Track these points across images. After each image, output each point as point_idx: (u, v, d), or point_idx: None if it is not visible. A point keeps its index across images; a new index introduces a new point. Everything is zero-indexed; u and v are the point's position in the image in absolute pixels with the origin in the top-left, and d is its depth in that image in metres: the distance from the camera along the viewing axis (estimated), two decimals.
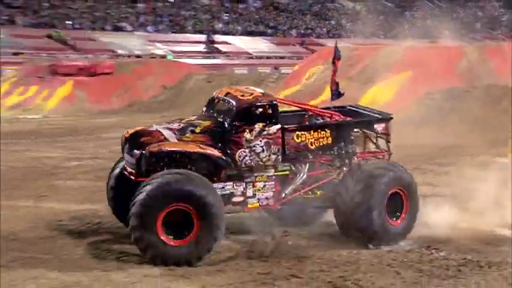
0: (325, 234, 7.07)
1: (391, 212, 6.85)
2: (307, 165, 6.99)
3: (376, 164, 7.09)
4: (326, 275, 5.69)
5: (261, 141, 6.72)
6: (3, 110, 21.25)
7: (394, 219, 6.88)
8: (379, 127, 7.24)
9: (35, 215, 7.54)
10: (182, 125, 6.80)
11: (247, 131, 6.68)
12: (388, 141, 7.33)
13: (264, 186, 6.83)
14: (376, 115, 7.48)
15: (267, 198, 6.84)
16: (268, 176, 6.83)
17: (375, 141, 7.31)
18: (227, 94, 6.96)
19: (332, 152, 7.06)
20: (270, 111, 6.77)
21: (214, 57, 38.39)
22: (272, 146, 6.77)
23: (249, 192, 6.75)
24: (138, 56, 35.10)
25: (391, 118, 7.30)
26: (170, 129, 6.72)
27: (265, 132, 6.73)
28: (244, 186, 6.74)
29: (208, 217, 6.03)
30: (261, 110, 6.75)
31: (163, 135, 6.62)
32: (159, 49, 38.47)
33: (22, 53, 32.99)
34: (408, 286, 5.47)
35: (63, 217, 7.45)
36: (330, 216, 7.10)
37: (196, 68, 27.81)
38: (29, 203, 8.16)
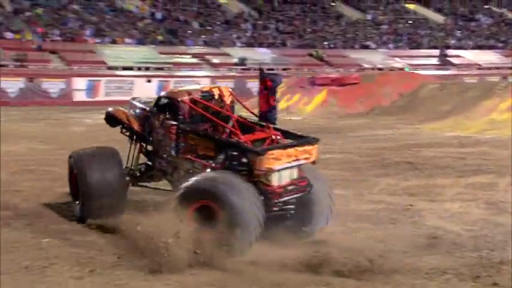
0: None
1: None
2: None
3: None
4: None
5: (162, 130, 6.15)
6: None
7: None
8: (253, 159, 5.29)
9: None
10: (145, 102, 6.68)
11: (157, 118, 6.26)
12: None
13: (185, 177, 5.70)
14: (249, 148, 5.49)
15: None
16: (188, 169, 5.85)
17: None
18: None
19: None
20: (173, 107, 6.02)
21: (446, 69, 36.47)
22: (166, 138, 6.05)
23: (175, 176, 5.98)
24: (379, 69, 34.71)
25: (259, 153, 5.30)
26: (138, 102, 6.72)
27: (163, 124, 6.13)
28: (172, 170, 6.04)
29: None
30: (166, 103, 6.14)
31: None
32: (398, 63, 37.59)
33: (289, 69, 34.66)
34: None
35: None
36: None
37: (430, 78, 26.63)
38: None
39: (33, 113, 22.45)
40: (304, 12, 43.86)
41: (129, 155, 6.73)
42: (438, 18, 46.05)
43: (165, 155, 6.15)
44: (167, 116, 6.13)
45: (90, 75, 28.59)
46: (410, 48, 40.86)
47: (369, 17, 45.01)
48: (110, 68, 30.31)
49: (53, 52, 30.71)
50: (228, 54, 35.44)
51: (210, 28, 38.36)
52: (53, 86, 27.78)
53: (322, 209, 5.72)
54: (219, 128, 5.98)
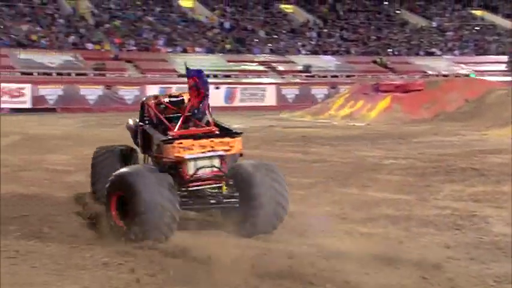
0: None
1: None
2: None
3: None
4: None
5: (137, 129, 6.22)
6: (338, 119, 22.31)
7: None
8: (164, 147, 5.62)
9: (360, 200, 7.56)
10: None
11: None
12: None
13: None
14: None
15: None
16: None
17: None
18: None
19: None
20: (141, 109, 6.18)
21: None
22: (138, 137, 6.23)
23: None
24: (444, 75, 33.70)
25: (166, 141, 5.59)
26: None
27: (136, 124, 6.33)
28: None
29: None
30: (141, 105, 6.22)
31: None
32: (463, 69, 36.39)
33: (353, 75, 34.31)
34: None
35: (381, 204, 7.30)
36: None
37: (498, 84, 25.59)
38: (356, 190, 8.25)
39: (111, 118, 23.32)
40: (368, 20, 43.29)
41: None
42: (506, 24, 44.20)
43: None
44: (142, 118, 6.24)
45: (162, 82, 29.39)
46: (477, 55, 39.43)
47: (435, 24, 43.81)
48: (181, 75, 31.04)
49: (128, 61, 31.83)
50: (293, 62, 35.49)
51: (276, 36, 38.57)
52: (129, 93, 28.76)
53: (267, 209, 5.57)
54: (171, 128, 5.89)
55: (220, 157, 5.69)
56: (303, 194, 7.67)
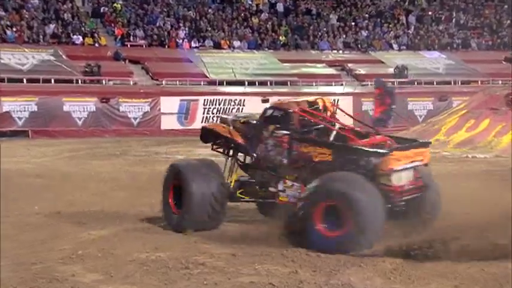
0: None
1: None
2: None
3: None
4: None
5: (271, 141, 9.40)
6: (450, 147, 22.05)
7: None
8: (375, 160, 8.59)
9: None
10: (245, 116, 10.19)
11: (265, 129, 9.48)
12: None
13: (292, 185, 9.23)
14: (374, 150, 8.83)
15: (294, 196, 9.11)
16: (296, 177, 9.20)
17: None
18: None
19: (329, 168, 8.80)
20: (284, 117, 9.36)
21: None
22: (278, 148, 9.32)
23: (280, 186, 9.35)
24: None
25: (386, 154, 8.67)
26: (235, 117, 10.22)
27: (274, 134, 9.37)
28: (277, 180, 9.38)
29: None
30: (276, 114, 9.49)
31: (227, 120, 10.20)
32: None
33: (473, 81, 33.97)
34: None
35: None
36: None
37: None
38: None
39: (108, 146, 23.69)
40: None
41: (224, 170, 10.00)
42: None
43: (270, 166, 9.43)
44: (277, 127, 9.33)
45: (184, 93, 29.83)
46: None
47: None
48: (211, 82, 31.39)
49: (134, 61, 32.34)
50: (380, 61, 35.46)
51: (353, 24, 38.71)
52: (134, 109, 29.27)
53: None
54: (325, 136, 9.33)
55: (414, 168, 8.87)
56: None
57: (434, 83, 33.98)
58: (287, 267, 7.76)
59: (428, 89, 33.41)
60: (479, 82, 33.79)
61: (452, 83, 33.98)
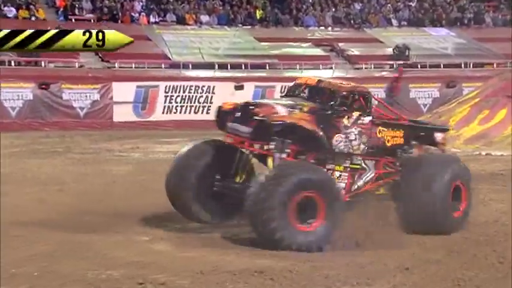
0: None
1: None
2: (374, 162, 10.80)
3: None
4: None
5: (355, 129, 10.35)
6: (460, 143, 22.11)
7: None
8: (438, 137, 11.43)
9: None
10: (286, 103, 10.36)
11: (346, 117, 10.28)
12: (443, 150, 11.75)
13: (340, 176, 10.37)
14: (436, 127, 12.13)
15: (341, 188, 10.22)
16: (344, 166, 10.43)
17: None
18: (319, 82, 10.86)
19: (399, 152, 10.98)
20: (365, 101, 10.47)
21: None
22: (363, 136, 10.43)
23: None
24: None
25: (448, 130, 12.25)
26: (281, 105, 10.22)
27: (359, 121, 10.39)
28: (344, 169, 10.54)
29: None
30: (358, 99, 10.41)
31: (274, 108, 10.10)
32: None
33: (488, 64, 34.12)
34: None
35: None
36: None
37: None
38: None
39: (49, 141, 23.56)
40: None
41: (236, 162, 10.85)
42: None
43: (342, 156, 10.48)
44: (360, 113, 10.44)
45: (141, 78, 29.80)
46: None
47: None
48: (174, 65, 31.32)
49: None
50: (377, 41, 35.59)
51: None
52: (81, 97, 29.16)
53: None
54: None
55: None
56: None
57: (441, 66, 34.10)
58: None
59: (434, 73, 33.55)
60: (495, 65, 34.07)
61: (463, 65, 34.08)
